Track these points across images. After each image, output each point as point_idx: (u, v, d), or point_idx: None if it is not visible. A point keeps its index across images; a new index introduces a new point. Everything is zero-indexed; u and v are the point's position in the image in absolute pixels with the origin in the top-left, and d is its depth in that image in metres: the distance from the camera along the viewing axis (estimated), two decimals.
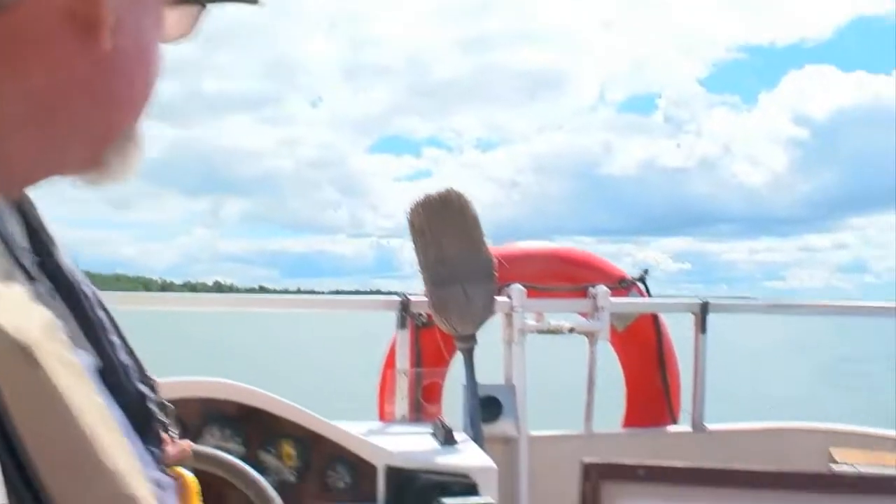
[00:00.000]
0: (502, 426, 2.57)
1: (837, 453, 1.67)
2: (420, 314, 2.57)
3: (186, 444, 1.38)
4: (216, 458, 1.68)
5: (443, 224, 2.38)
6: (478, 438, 2.26)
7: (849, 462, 1.63)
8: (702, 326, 2.76)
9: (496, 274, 2.45)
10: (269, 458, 1.96)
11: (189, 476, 1.12)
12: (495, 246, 2.69)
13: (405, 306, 2.52)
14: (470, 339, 2.42)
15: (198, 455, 1.62)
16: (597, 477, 1.31)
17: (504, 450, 2.58)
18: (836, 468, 1.54)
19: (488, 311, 2.45)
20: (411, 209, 2.41)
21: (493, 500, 1.64)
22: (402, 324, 2.52)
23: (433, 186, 2.53)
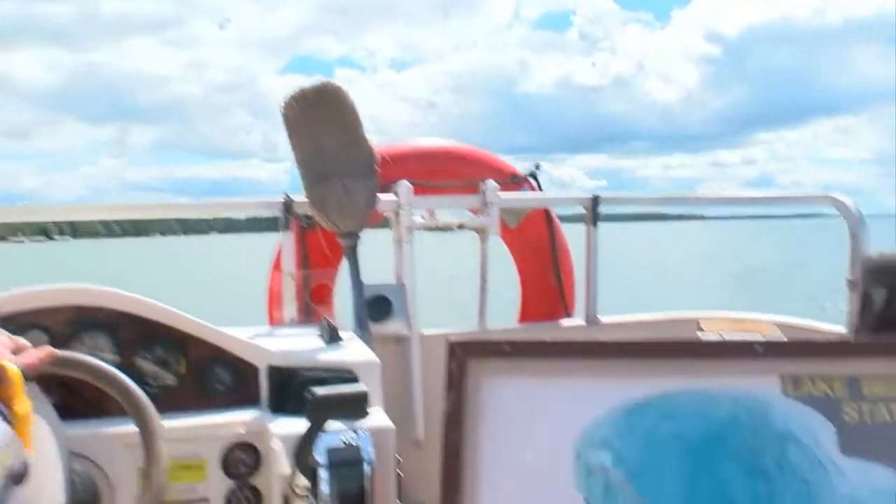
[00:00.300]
0: (393, 325, 2.54)
1: (705, 324, 1.71)
2: (305, 215, 2.49)
3: (48, 349, 1.30)
4: (81, 363, 1.60)
5: (319, 117, 2.28)
6: (365, 337, 2.22)
7: (715, 331, 1.67)
8: (593, 220, 2.76)
9: (378, 169, 2.38)
10: (144, 364, 1.89)
11: (11, 369, 1.05)
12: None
13: (288, 207, 2.44)
14: (353, 237, 2.36)
15: (62, 360, 1.54)
16: (462, 354, 1.28)
17: (396, 349, 2.57)
18: (702, 336, 1.57)
19: (370, 206, 2.38)
20: (285, 102, 2.31)
21: (364, 388, 1.61)
22: (285, 225, 2.46)
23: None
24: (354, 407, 1.58)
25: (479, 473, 1.27)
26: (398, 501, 1.76)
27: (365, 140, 2.36)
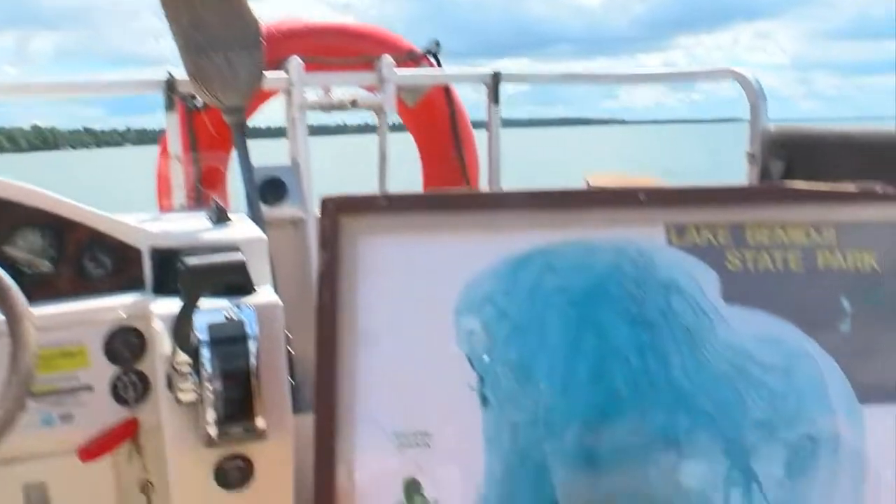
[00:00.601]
0: (288, 208, 2.46)
1: (593, 179, 1.68)
2: (191, 95, 2.36)
3: None
4: None
5: None
6: (257, 218, 2.13)
7: (602, 185, 1.64)
8: (494, 97, 2.69)
9: (263, 41, 2.25)
10: (17, 252, 1.77)
11: None
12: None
13: (171, 86, 2.30)
14: (238, 112, 2.23)
15: None
16: (335, 210, 1.21)
17: (293, 232, 2.49)
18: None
19: (256, 80, 2.25)
20: None
21: (241, 257, 1.53)
22: (169, 105, 2.32)
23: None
24: (231, 276, 1.50)
25: (357, 333, 1.23)
26: (290, 380, 1.71)
27: (248, 10, 2.21)
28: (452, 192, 1.23)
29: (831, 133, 2.56)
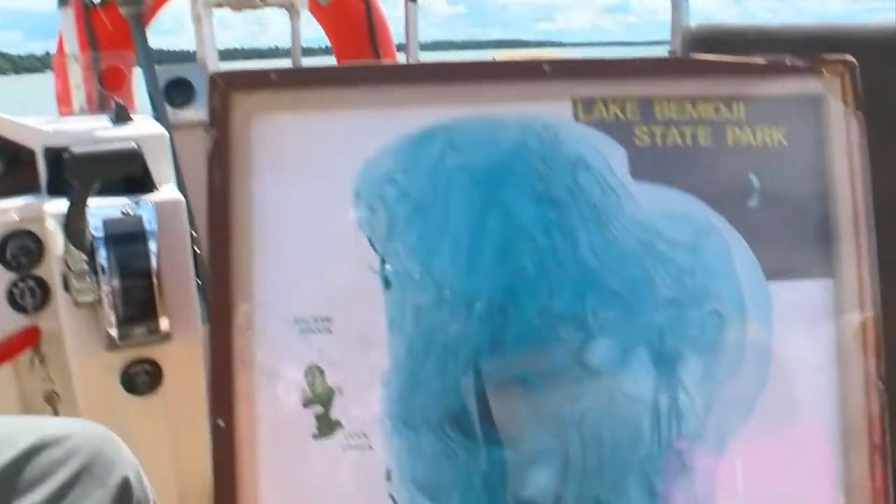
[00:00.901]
0: (196, 111, 2.35)
1: (499, 57, 1.64)
2: None
3: None
4: None
5: None
6: (161, 119, 2.03)
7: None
8: None
9: None
10: None
11: None
12: None
13: None
14: (135, 4, 2.11)
15: None
16: (224, 87, 1.14)
17: (202, 135, 2.39)
18: None
19: None
20: None
21: (133, 146, 1.44)
22: (62, 0, 2.18)
23: None
24: (123, 165, 1.41)
25: (251, 217, 1.17)
26: (197, 280, 1.65)
27: None
28: (349, 65, 1.17)
29: (751, 29, 2.53)
